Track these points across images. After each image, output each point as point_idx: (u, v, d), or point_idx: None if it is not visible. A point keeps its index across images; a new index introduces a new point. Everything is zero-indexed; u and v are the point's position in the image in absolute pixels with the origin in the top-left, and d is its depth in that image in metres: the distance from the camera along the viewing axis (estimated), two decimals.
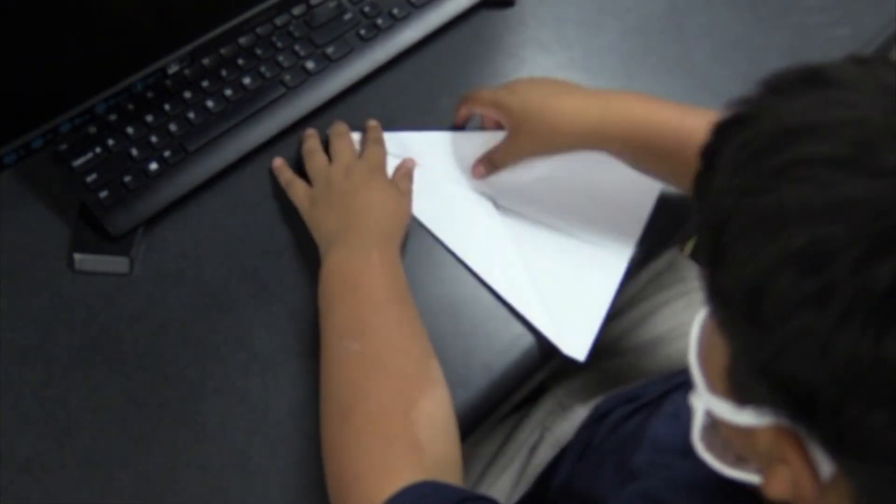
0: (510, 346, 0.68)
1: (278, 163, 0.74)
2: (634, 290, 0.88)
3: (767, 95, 0.39)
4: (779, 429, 0.38)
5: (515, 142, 0.72)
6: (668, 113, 0.67)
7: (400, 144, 0.76)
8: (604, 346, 0.87)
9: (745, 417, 0.40)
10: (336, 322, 0.62)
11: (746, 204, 0.36)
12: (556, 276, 0.71)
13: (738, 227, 0.36)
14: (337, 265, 0.65)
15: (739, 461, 0.45)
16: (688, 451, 0.56)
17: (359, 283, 0.63)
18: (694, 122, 0.66)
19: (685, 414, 0.60)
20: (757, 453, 0.42)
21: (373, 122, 0.76)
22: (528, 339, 0.68)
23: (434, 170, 0.75)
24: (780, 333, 0.34)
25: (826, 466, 0.37)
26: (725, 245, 0.37)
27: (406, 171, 0.74)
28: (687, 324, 0.86)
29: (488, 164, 0.74)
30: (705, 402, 0.44)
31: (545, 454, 0.80)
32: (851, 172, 0.33)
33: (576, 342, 0.68)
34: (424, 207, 0.73)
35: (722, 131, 0.40)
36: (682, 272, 0.91)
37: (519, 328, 0.69)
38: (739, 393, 0.40)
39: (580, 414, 0.80)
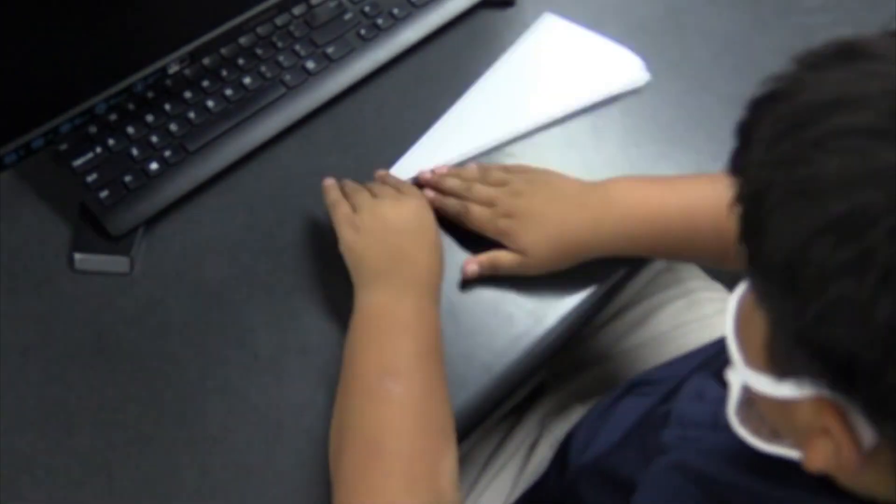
0: (510, 346, 0.68)
1: (329, 182, 0.71)
2: (633, 291, 0.88)
3: (803, 70, 0.39)
4: (819, 400, 0.38)
5: (525, 265, 0.68)
6: (645, 197, 0.67)
7: (414, 163, 0.76)
8: (602, 346, 0.87)
9: (784, 390, 0.40)
10: (379, 360, 0.60)
11: (784, 175, 0.36)
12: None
13: (776, 198, 0.36)
14: (387, 307, 0.62)
15: (774, 436, 0.45)
16: (718, 425, 0.56)
17: (409, 328, 0.61)
18: (672, 194, 0.67)
19: (710, 394, 0.60)
20: (794, 427, 0.42)
21: (381, 172, 0.74)
22: (528, 339, 0.68)
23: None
24: (819, 301, 0.35)
25: (868, 436, 0.37)
26: (763, 217, 0.37)
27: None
28: (686, 324, 0.86)
29: (489, 267, 0.69)
30: (742, 377, 0.44)
31: (544, 453, 0.80)
32: (889, 142, 0.34)
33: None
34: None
35: (758, 107, 0.40)
36: (681, 273, 0.91)
37: (519, 328, 0.69)
38: (778, 365, 0.40)
39: (579, 414, 0.80)
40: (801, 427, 0.41)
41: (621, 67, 0.82)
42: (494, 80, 0.81)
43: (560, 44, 0.83)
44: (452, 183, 0.72)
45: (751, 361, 0.43)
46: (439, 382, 0.61)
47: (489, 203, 0.70)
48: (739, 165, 0.40)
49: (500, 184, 0.70)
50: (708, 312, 0.87)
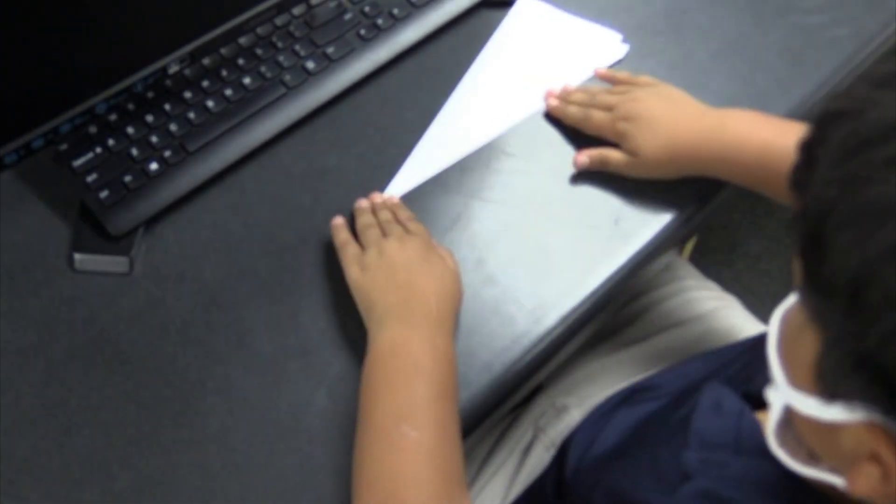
0: (510, 346, 0.68)
1: (338, 221, 0.71)
2: (628, 289, 0.88)
3: (872, 88, 0.38)
4: (870, 424, 0.38)
5: (635, 166, 0.72)
6: (758, 131, 0.69)
7: (422, 166, 0.76)
8: (597, 343, 0.87)
9: (833, 413, 0.39)
10: (394, 405, 0.59)
11: (852, 194, 0.36)
12: None
13: (842, 217, 0.36)
14: (400, 345, 0.62)
15: (812, 459, 0.45)
16: (740, 448, 0.55)
17: (421, 370, 0.60)
18: (783, 135, 0.67)
19: (728, 405, 0.60)
20: (837, 451, 0.41)
21: (377, 198, 0.73)
22: (528, 339, 0.68)
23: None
24: (884, 325, 0.34)
25: None
26: (827, 235, 0.36)
27: (448, 251, 0.71)
28: (681, 323, 0.86)
29: (598, 162, 0.74)
30: (786, 398, 0.43)
31: (539, 455, 0.80)
32: None
33: None
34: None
35: (824, 124, 0.39)
36: (678, 271, 0.91)
37: (519, 328, 0.69)
38: (828, 386, 0.39)
39: (574, 415, 0.80)
40: (845, 451, 0.40)
41: (600, 44, 0.83)
42: (479, 75, 0.81)
43: (538, 28, 0.84)
44: (578, 96, 0.78)
45: (796, 382, 0.42)
46: (453, 425, 0.60)
47: (609, 108, 0.74)
48: (802, 182, 0.40)
49: (623, 92, 0.75)
50: (703, 311, 0.87)
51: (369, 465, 0.58)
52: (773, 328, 0.45)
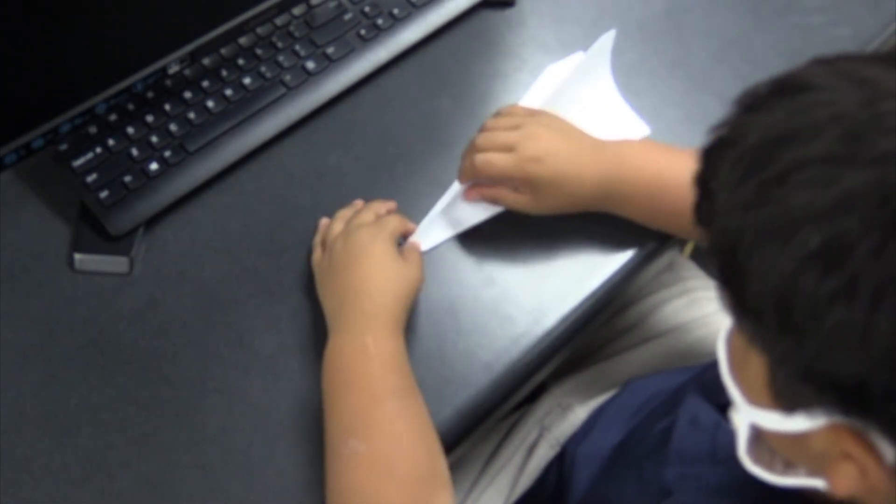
0: (510, 346, 0.68)
1: (324, 222, 0.71)
2: (634, 290, 0.88)
3: (745, 113, 0.40)
4: (834, 427, 0.38)
5: (533, 202, 0.69)
6: (652, 163, 0.67)
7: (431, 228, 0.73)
8: (603, 344, 0.87)
9: (796, 423, 0.40)
10: (339, 420, 0.59)
11: (752, 218, 0.37)
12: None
13: (751, 242, 0.37)
14: (334, 356, 0.61)
15: (788, 468, 0.45)
16: (716, 458, 0.56)
17: (355, 377, 0.59)
18: (675, 165, 0.66)
19: (704, 420, 0.60)
20: (810, 456, 0.42)
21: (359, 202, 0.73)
22: (528, 339, 0.68)
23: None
24: (817, 335, 0.35)
25: (890, 453, 0.37)
26: (742, 263, 0.37)
27: (413, 246, 0.69)
28: (686, 323, 0.86)
29: (489, 196, 0.71)
30: (749, 417, 0.44)
31: (544, 454, 0.80)
32: (847, 166, 0.34)
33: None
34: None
35: (709, 156, 0.41)
36: (682, 272, 0.91)
37: (519, 328, 0.69)
38: (785, 400, 0.40)
39: (579, 414, 0.81)
40: (819, 454, 0.40)
41: (626, 128, 0.79)
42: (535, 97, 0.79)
43: (585, 85, 0.79)
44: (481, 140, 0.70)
45: (754, 399, 0.43)
46: (406, 426, 0.59)
47: (508, 148, 0.68)
48: (704, 216, 0.41)
49: (513, 127, 0.69)
50: (708, 311, 0.87)
51: (330, 485, 0.58)
52: (720, 352, 0.46)
